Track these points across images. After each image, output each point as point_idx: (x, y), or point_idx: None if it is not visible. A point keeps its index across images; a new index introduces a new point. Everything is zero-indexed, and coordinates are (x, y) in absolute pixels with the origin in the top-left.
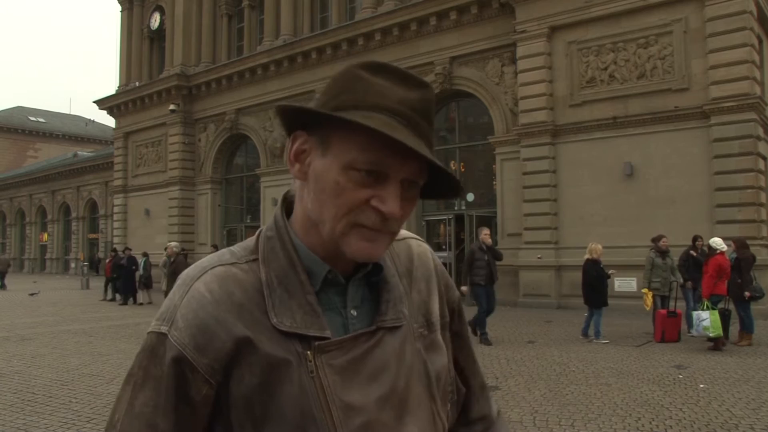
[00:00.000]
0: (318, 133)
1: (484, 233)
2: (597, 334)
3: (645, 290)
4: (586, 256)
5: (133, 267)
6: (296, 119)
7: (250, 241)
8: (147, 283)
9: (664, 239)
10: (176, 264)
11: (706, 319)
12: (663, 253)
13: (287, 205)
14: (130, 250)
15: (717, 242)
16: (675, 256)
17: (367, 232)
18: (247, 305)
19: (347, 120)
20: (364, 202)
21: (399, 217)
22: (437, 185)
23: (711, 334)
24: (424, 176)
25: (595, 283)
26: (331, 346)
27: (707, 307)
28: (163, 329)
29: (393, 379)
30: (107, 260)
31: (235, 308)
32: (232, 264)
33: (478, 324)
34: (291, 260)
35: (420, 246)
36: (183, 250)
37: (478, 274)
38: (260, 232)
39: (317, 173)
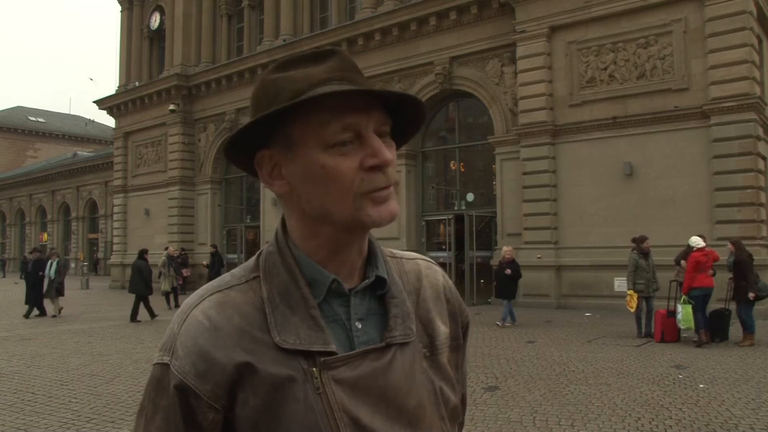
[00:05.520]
0: (276, 143)
1: None
2: (513, 318)
3: (630, 292)
4: (507, 257)
5: (40, 272)
6: (250, 146)
7: (251, 260)
8: (59, 290)
9: (647, 242)
10: None
11: (680, 312)
12: (645, 255)
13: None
14: (39, 251)
15: (694, 240)
16: (673, 257)
17: (376, 195)
18: (247, 328)
19: (300, 105)
20: (358, 168)
21: (393, 162)
22: (402, 123)
23: (682, 327)
24: (389, 120)
25: (518, 278)
26: (337, 362)
27: (685, 301)
28: (165, 360)
29: (404, 399)
30: None
31: (235, 333)
32: (230, 288)
33: None
34: (292, 274)
35: (430, 267)
36: (183, 250)
37: None
38: (261, 251)
39: (299, 174)
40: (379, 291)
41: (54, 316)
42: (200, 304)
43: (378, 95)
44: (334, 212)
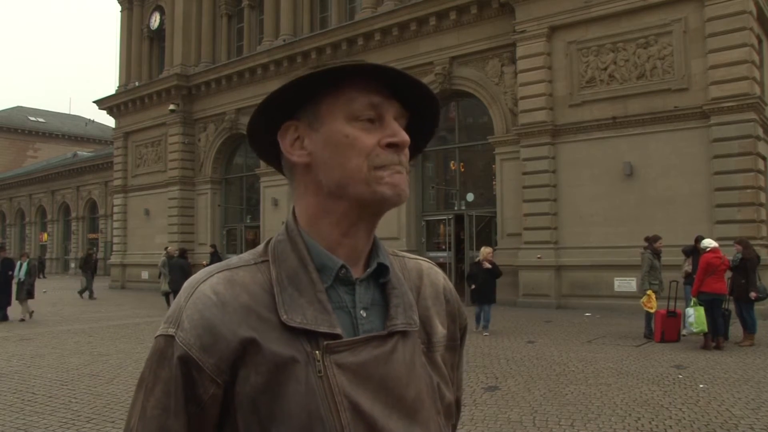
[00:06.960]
0: (304, 115)
1: None
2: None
3: (649, 292)
4: (484, 259)
5: (9, 272)
6: (276, 118)
7: (260, 246)
8: (29, 292)
9: (660, 241)
10: None
11: (692, 315)
12: (658, 254)
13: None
14: (4, 250)
15: (706, 242)
16: (672, 257)
17: (390, 172)
18: (254, 307)
19: (333, 76)
20: (376, 145)
21: (409, 144)
22: (419, 124)
23: (695, 330)
24: (405, 113)
25: (496, 277)
26: (340, 347)
27: (695, 304)
28: (171, 331)
29: (403, 389)
30: None
31: (242, 310)
32: (238, 267)
33: None
34: (302, 259)
35: (431, 268)
36: (184, 250)
37: None
38: (270, 239)
39: (322, 142)
40: (381, 279)
41: (22, 320)
42: (208, 280)
43: (405, 79)
44: (350, 184)
